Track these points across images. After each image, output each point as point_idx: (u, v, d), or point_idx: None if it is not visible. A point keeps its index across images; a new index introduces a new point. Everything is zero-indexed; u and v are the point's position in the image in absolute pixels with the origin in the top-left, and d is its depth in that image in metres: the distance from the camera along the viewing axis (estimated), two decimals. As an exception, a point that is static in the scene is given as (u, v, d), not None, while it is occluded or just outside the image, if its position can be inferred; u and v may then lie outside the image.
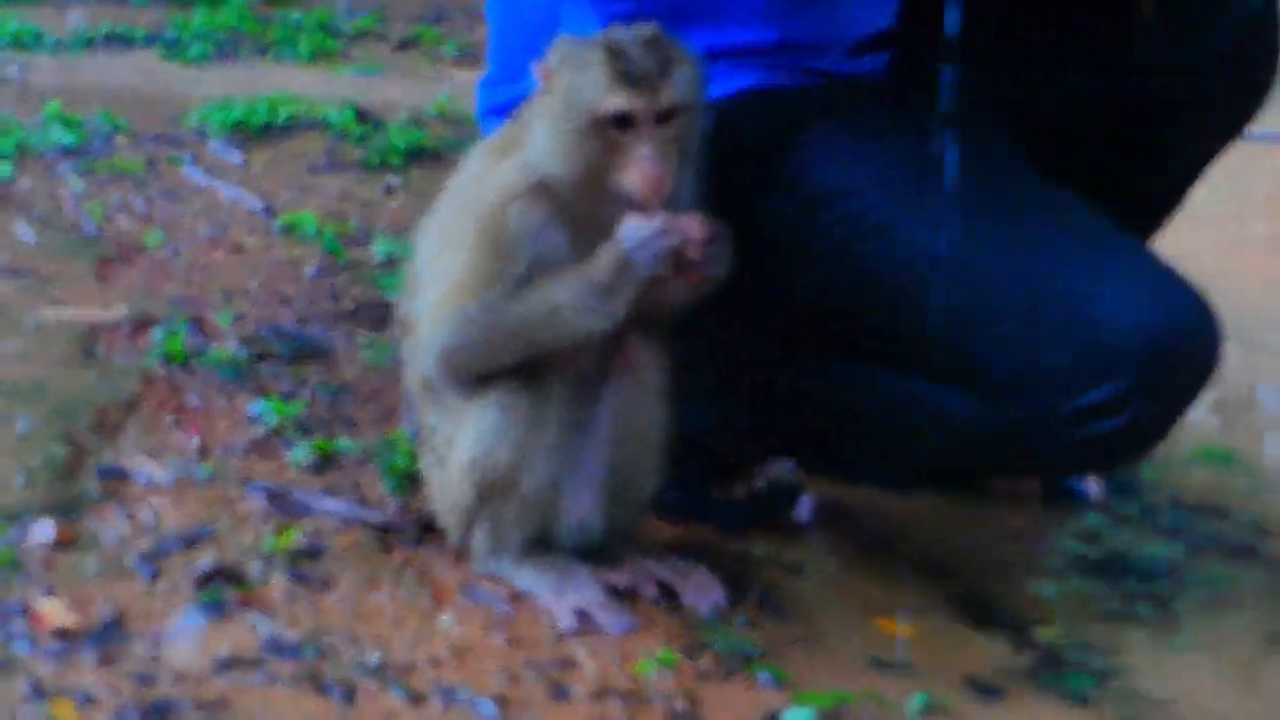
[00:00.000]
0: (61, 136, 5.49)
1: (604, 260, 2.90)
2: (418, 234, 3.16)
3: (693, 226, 2.87)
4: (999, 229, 3.03)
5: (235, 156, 5.55)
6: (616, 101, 2.86)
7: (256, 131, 5.81)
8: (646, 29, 2.93)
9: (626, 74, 2.85)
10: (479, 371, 3.01)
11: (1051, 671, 3.05)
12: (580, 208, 2.94)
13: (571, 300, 2.90)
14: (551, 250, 2.95)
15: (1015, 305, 2.96)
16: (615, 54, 2.87)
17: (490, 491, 3.05)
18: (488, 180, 2.97)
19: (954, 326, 3.00)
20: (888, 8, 3.34)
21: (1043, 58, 3.28)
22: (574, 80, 2.88)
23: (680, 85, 2.89)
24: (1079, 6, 3.24)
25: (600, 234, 2.94)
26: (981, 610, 3.25)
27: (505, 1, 3.44)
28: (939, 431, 3.12)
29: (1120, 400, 2.93)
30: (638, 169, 2.86)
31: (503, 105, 3.31)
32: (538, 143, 2.92)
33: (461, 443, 3.05)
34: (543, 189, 2.93)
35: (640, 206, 2.88)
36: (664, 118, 2.88)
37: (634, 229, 2.88)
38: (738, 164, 3.03)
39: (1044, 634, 3.19)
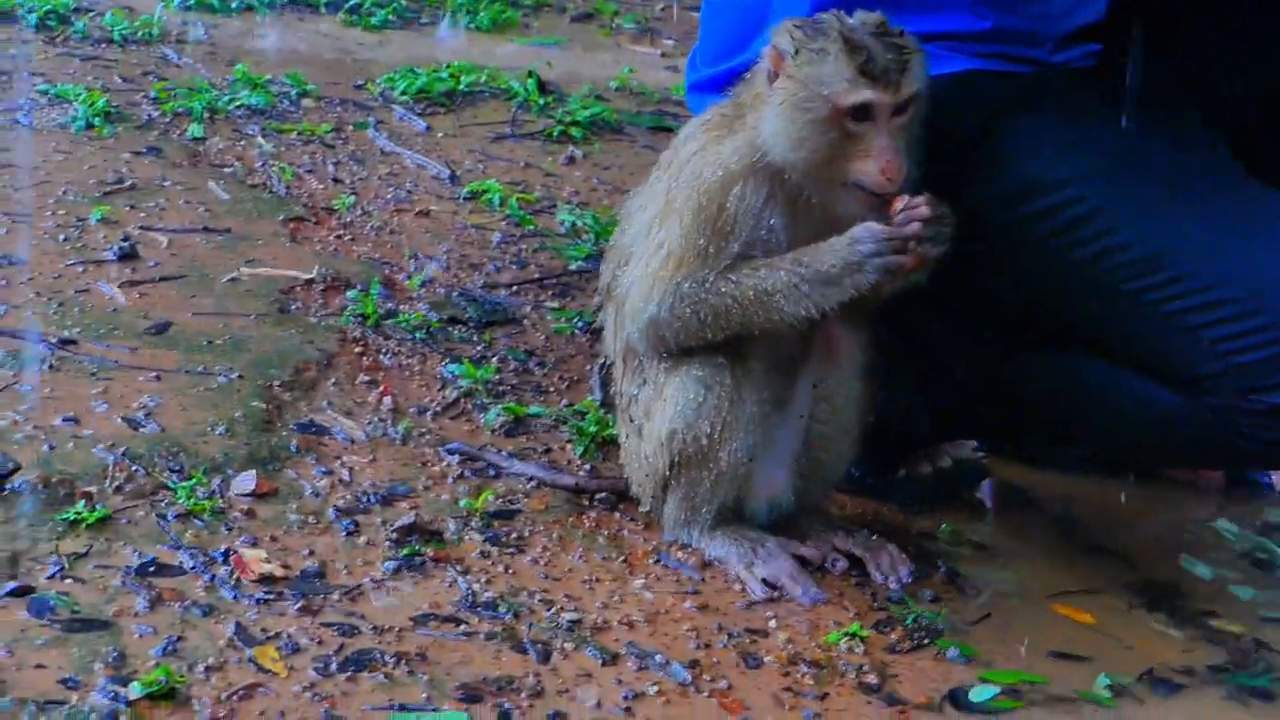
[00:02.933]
0: (250, 98, 5.57)
1: (832, 255, 2.92)
2: (627, 204, 3.20)
3: (920, 209, 2.89)
4: (1205, 224, 3.02)
5: (419, 123, 5.61)
6: (860, 95, 2.88)
7: (439, 99, 5.86)
8: (873, 17, 2.94)
9: (868, 67, 2.87)
10: (684, 345, 3.04)
11: (1231, 668, 3.04)
12: (802, 192, 2.97)
13: (788, 286, 2.93)
14: (769, 232, 2.98)
15: (1220, 300, 2.95)
16: (856, 45, 2.88)
17: (687, 463, 3.09)
18: (708, 157, 3.00)
19: (1156, 319, 3.00)
20: (1098, 1, 3.33)
21: (1244, 47, 3.25)
22: (813, 70, 2.90)
23: (915, 77, 2.91)
24: None
25: (817, 219, 2.97)
26: (1161, 598, 3.25)
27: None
28: (1133, 419, 3.12)
29: None
30: (875, 160, 2.89)
31: (713, 80, 3.33)
32: (767, 126, 2.94)
33: (661, 413, 3.09)
34: (767, 171, 2.95)
35: (874, 195, 2.91)
36: (900, 109, 2.90)
37: (870, 232, 2.90)
38: (947, 148, 3.04)
39: (1222, 626, 3.19)
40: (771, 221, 2.98)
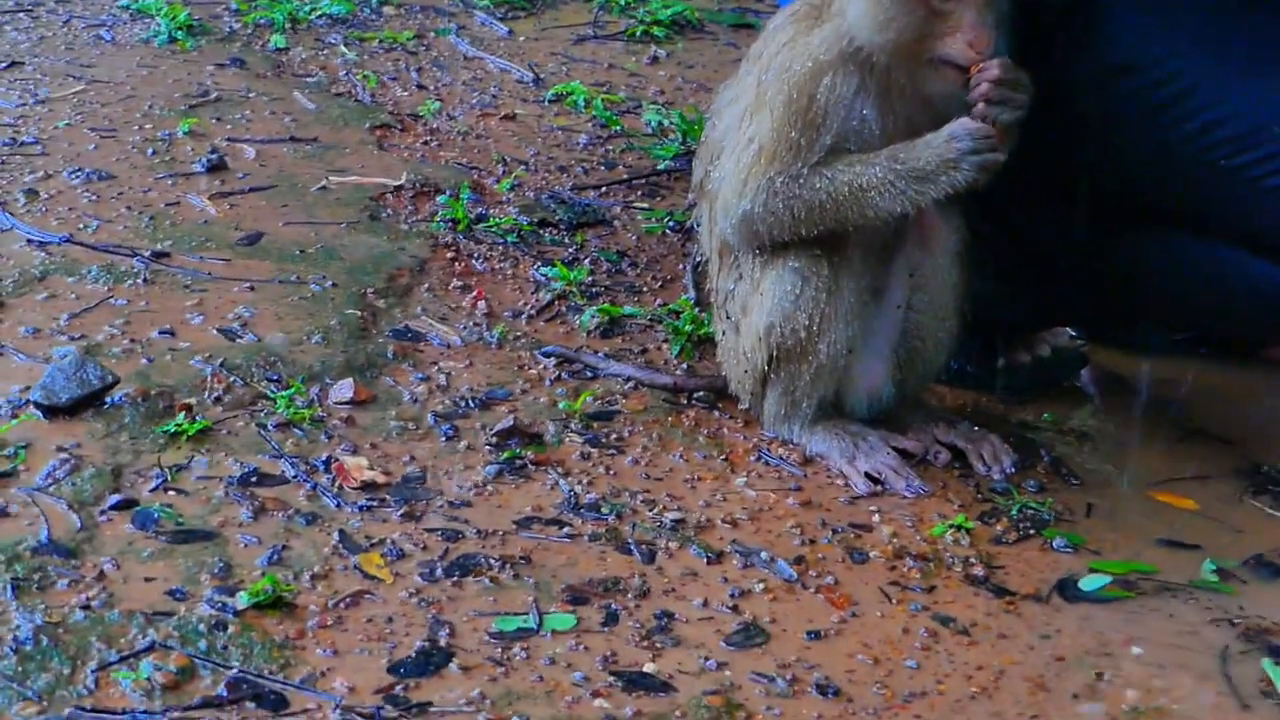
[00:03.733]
0: (331, 7, 5.55)
1: (929, 151, 2.89)
2: (717, 100, 3.17)
3: (991, 71, 2.85)
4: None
5: (501, 27, 5.59)
6: None
7: (520, 2, 5.83)
8: None
9: None
10: (779, 239, 3.02)
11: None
12: (893, 77, 2.93)
13: (883, 182, 2.90)
14: (861, 122, 2.94)
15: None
16: None
17: (786, 357, 3.07)
18: (798, 49, 2.97)
19: (1257, 192, 2.96)
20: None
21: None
22: None
23: None
24: None
25: (910, 106, 2.94)
26: (1266, 481, 3.21)
27: None
28: (1237, 294, 3.08)
29: None
30: (963, 35, 2.85)
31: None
32: (853, 10, 2.91)
33: (758, 308, 3.07)
34: (856, 59, 2.92)
35: (963, 71, 2.87)
36: None
37: (966, 129, 2.87)
38: (1039, 26, 2.99)
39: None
40: (864, 112, 2.94)
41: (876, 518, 2.96)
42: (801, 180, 2.95)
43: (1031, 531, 2.95)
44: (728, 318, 3.16)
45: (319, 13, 5.53)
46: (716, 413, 3.28)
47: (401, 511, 2.86)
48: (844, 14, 2.93)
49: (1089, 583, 2.81)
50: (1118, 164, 3.13)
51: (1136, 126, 3.06)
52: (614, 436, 3.16)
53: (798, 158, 2.95)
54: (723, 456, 3.12)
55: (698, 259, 3.40)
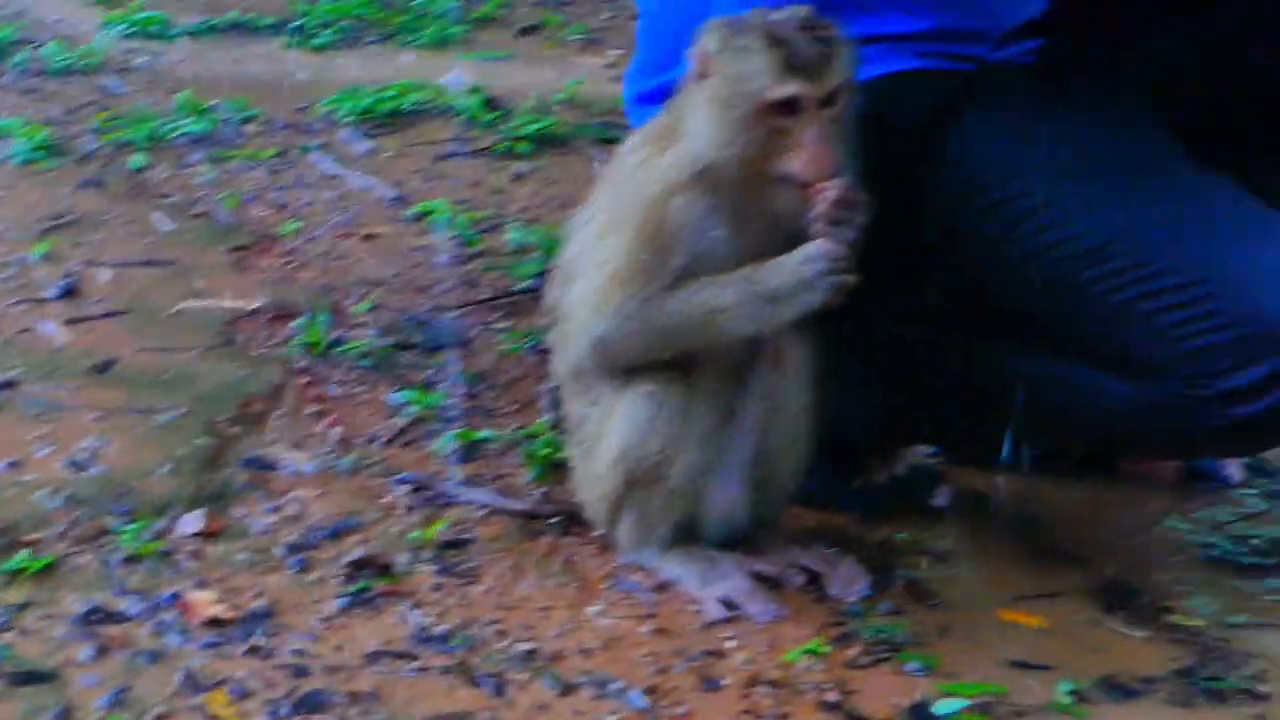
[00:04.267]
0: (193, 125, 5.52)
1: (783, 273, 2.89)
2: (571, 222, 3.16)
3: (830, 191, 2.86)
4: (1153, 212, 3.01)
5: (364, 144, 5.57)
6: (784, 89, 2.84)
7: (384, 119, 5.82)
8: (799, 11, 2.91)
9: (792, 60, 2.84)
10: (632, 363, 3.01)
11: (1190, 672, 2.99)
12: (741, 196, 2.93)
13: (738, 305, 2.90)
14: (713, 243, 2.94)
15: (1169, 287, 2.93)
16: (778, 40, 2.86)
17: (638, 482, 3.05)
18: (648, 172, 2.97)
19: (1107, 309, 2.98)
20: (1039, -3, 3.32)
21: (1196, 38, 3.24)
22: (737, 67, 2.87)
23: (841, 68, 2.88)
24: None
25: (760, 224, 2.94)
26: (1119, 600, 3.22)
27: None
28: (1089, 413, 3.10)
29: (1272, 381, 2.90)
30: (805, 153, 2.86)
31: (653, 92, 3.29)
32: (697, 130, 2.91)
33: (611, 433, 3.05)
34: (704, 178, 2.92)
35: (806, 188, 2.88)
36: (827, 101, 2.87)
37: (822, 251, 2.87)
38: (893, 146, 3.01)
39: (1179, 621, 3.16)
40: (715, 232, 2.94)
41: (731, 643, 2.95)
42: (655, 303, 2.94)
43: (886, 655, 2.94)
44: (581, 443, 3.14)
45: (180, 131, 5.49)
46: (572, 539, 3.25)
47: (248, 648, 2.82)
48: (691, 135, 2.93)
49: (942, 707, 2.80)
50: (970, 282, 3.15)
51: (990, 245, 3.08)
52: (467, 565, 3.13)
53: (650, 281, 2.94)
54: (577, 584, 3.10)
55: (556, 382, 3.38)
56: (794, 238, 2.92)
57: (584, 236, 3.08)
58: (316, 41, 6.80)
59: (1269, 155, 3.25)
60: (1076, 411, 3.15)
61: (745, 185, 2.92)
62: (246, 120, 5.69)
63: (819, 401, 3.14)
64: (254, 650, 2.81)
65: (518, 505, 3.33)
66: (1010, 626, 3.10)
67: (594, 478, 3.12)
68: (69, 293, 4.16)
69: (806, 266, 2.87)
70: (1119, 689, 2.91)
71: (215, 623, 2.88)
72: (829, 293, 2.87)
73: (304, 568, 3.07)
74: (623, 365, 3.02)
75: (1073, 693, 2.86)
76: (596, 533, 3.22)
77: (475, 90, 6.00)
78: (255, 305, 4.15)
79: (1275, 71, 3.20)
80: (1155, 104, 3.18)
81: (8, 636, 2.81)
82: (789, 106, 2.86)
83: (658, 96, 3.19)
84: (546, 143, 5.70)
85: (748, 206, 2.94)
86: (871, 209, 2.89)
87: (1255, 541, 3.50)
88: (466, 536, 3.23)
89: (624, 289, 2.95)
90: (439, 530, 3.21)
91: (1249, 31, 3.24)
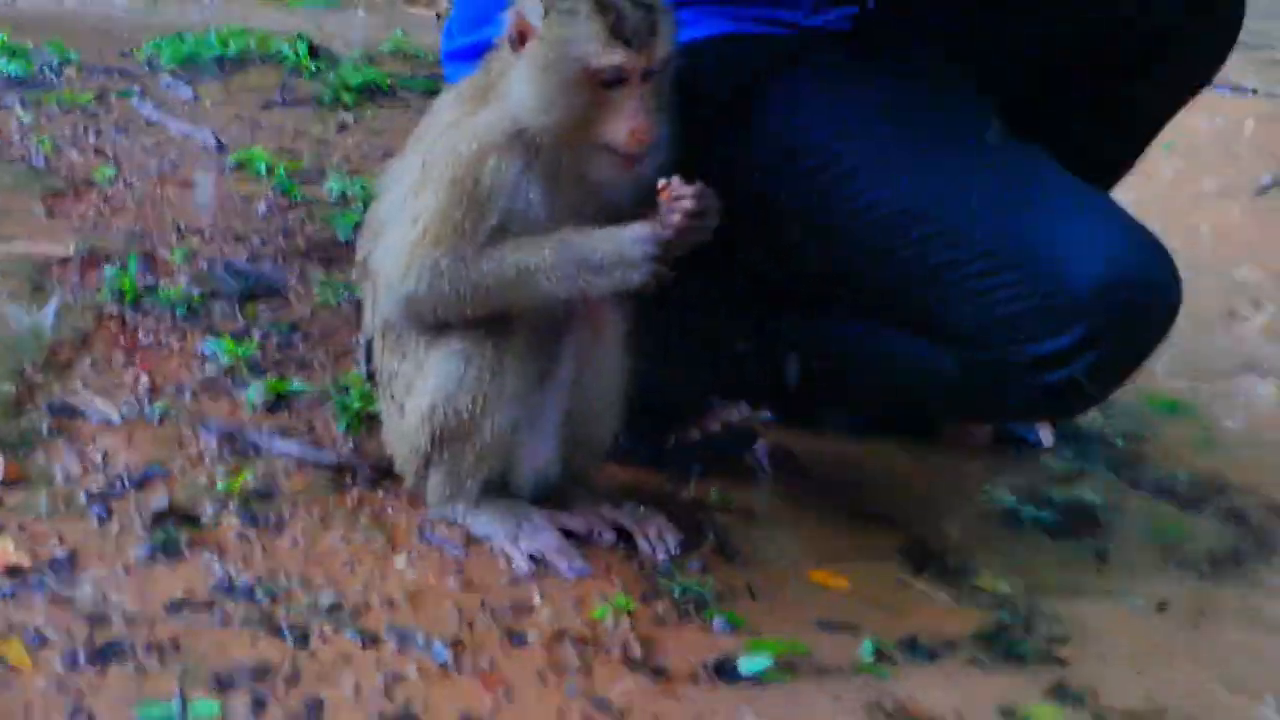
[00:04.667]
0: (8, 67, 5.42)
1: (608, 245, 2.88)
2: (383, 177, 3.13)
3: (685, 202, 2.86)
4: (963, 179, 3.04)
5: (186, 91, 5.49)
6: (611, 58, 2.83)
7: (207, 65, 5.74)
8: None
9: (618, 28, 2.83)
10: (444, 320, 2.98)
11: (993, 635, 3.04)
12: (558, 158, 2.91)
13: (553, 267, 2.88)
14: (526, 203, 2.92)
15: (978, 254, 2.97)
16: (605, 9, 2.84)
17: (449, 438, 3.03)
18: (463, 129, 2.94)
19: (917, 275, 3.01)
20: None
21: (1014, 7, 3.27)
22: (562, 33, 2.85)
23: (666, 39, 2.87)
24: None
25: (577, 189, 2.93)
26: (925, 561, 3.25)
27: (471, -56, 3.39)
28: (901, 377, 3.14)
29: (1079, 348, 2.95)
30: (626, 123, 2.85)
31: (468, 49, 3.27)
32: (517, 92, 2.89)
33: (421, 389, 3.03)
34: (520, 139, 2.90)
35: (625, 158, 2.87)
36: (651, 72, 2.86)
37: (654, 235, 2.86)
38: (704, 111, 3.01)
39: (983, 584, 3.20)
40: (530, 195, 2.92)
41: (538, 599, 2.94)
42: (467, 262, 2.92)
43: (692, 612, 2.95)
44: (393, 398, 3.11)
45: (-5, 73, 5.39)
46: (381, 493, 3.22)
47: (48, 595, 2.77)
48: (509, 96, 2.91)
49: (748, 664, 2.81)
50: (785, 248, 3.17)
51: (801, 211, 3.10)
52: (274, 517, 3.09)
53: (463, 240, 2.92)
54: (384, 537, 3.08)
55: (367, 336, 3.35)
56: (608, 204, 2.92)
57: (396, 192, 3.05)
58: (140, -16, 6.70)
59: (1078, 121, 3.29)
60: (890, 375, 3.19)
61: (563, 149, 2.91)
62: (65, 63, 5.60)
63: (633, 361, 3.13)
64: (52, 598, 2.76)
65: (327, 457, 3.30)
66: (817, 587, 3.13)
67: (404, 433, 3.10)
68: (-127, 234, 4.07)
69: (635, 247, 2.86)
70: (922, 650, 2.94)
71: (13, 571, 2.83)
72: (647, 276, 2.87)
73: (107, 517, 3.02)
74: (433, 323, 3.00)
75: (876, 652, 2.89)
76: (406, 487, 3.19)
77: (300, 38, 5.94)
78: (67, 253, 4.07)
79: (1082, 36, 3.24)
80: (968, 72, 3.21)
81: None
82: (614, 74, 2.84)
83: (475, 53, 3.16)
84: (372, 94, 5.66)
85: (564, 170, 2.93)
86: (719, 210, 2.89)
87: (1063, 505, 3.56)
88: (274, 487, 3.19)
89: (436, 247, 2.92)
90: (246, 480, 3.17)
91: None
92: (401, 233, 2.97)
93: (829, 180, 3.05)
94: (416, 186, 2.98)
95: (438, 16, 6.78)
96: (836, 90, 3.14)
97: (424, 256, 2.93)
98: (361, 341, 3.67)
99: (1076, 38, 3.27)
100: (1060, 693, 2.87)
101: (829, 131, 3.08)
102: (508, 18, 2.91)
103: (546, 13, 2.86)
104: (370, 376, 3.50)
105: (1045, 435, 3.82)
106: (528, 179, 2.92)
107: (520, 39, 2.89)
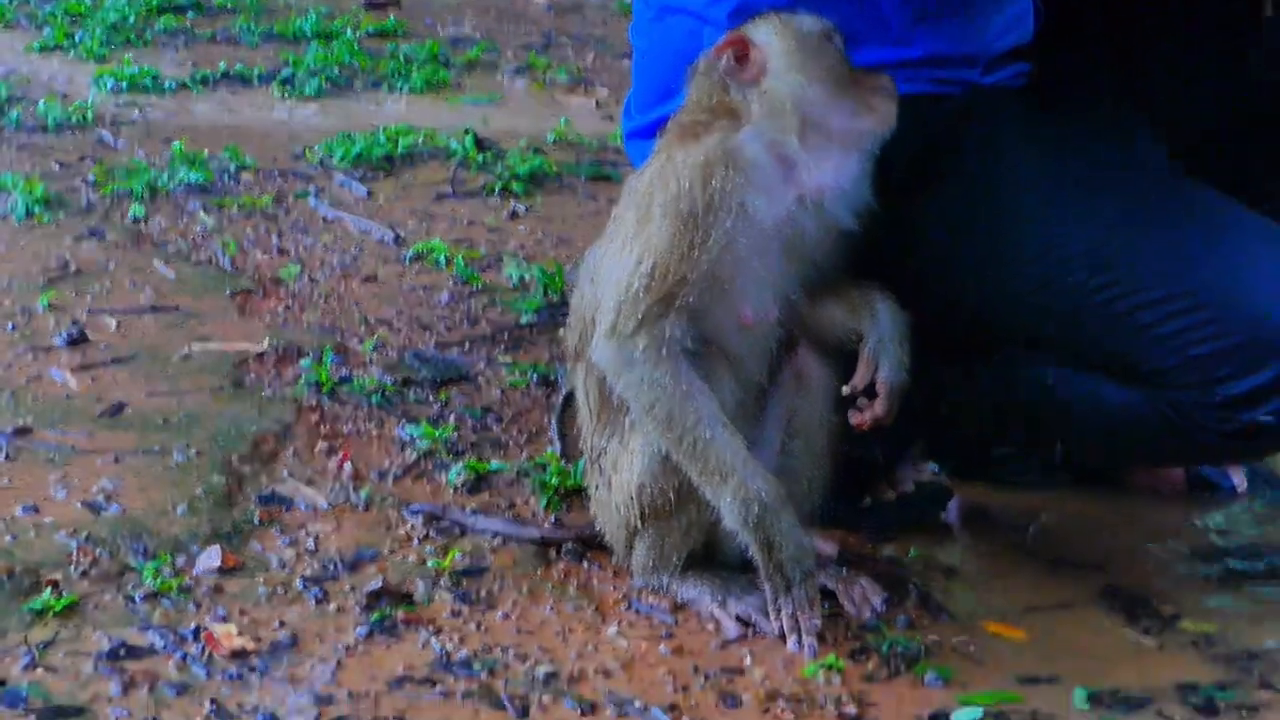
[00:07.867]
0: (189, 174, 5.55)
1: (785, 536, 2.99)
2: (586, 261, 3.17)
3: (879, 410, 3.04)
4: (1153, 224, 3.06)
5: (359, 188, 5.61)
6: None
7: (378, 163, 5.86)
8: None
9: None
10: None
11: (1195, 678, 3.03)
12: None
13: (732, 489, 2.97)
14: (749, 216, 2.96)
15: (1172, 295, 2.97)
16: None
17: (656, 514, 3.08)
18: (676, 163, 2.98)
19: (1111, 318, 3.02)
20: (1025, 24, 3.37)
21: (1182, 60, 3.30)
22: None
23: None
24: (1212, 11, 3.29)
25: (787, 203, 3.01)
26: (1129, 608, 3.25)
27: (649, 29, 3.45)
28: (1095, 421, 3.14)
29: (1273, 387, 2.94)
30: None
31: (650, 126, 3.32)
32: (774, 104, 3.00)
33: (629, 466, 3.08)
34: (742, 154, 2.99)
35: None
36: None
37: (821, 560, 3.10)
38: (891, 172, 3.05)
39: (1187, 627, 3.19)
40: (753, 202, 2.96)
41: (748, 660, 2.98)
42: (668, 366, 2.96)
43: (902, 668, 2.98)
44: (601, 473, 3.16)
45: (177, 181, 5.53)
46: (586, 564, 3.28)
47: (274, 677, 2.84)
48: (745, 118, 3.01)
49: (960, 716, 2.83)
50: (975, 298, 3.19)
51: (989, 260, 3.12)
52: (484, 592, 3.16)
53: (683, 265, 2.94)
54: (593, 607, 3.13)
55: (559, 407, 3.40)
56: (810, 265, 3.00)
57: (603, 263, 3.08)
58: (307, 90, 6.83)
59: (1258, 165, 3.30)
60: (1082, 421, 3.18)
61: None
62: (241, 169, 5.73)
63: (840, 421, 3.16)
64: (278, 679, 2.83)
65: (531, 532, 3.36)
66: (1023, 637, 3.13)
67: (611, 508, 3.15)
68: (76, 341, 4.19)
69: (807, 559, 3.03)
70: (1129, 699, 2.93)
71: (239, 654, 2.91)
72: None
73: (323, 599, 3.10)
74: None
75: (1090, 698, 2.89)
76: (613, 560, 3.24)
77: (467, 131, 6.04)
78: (261, 348, 4.18)
79: (1256, 84, 3.26)
80: (1145, 119, 3.23)
81: (36, 674, 2.83)
82: None
83: (654, 130, 3.22)
84: (540, 181, 5.74)
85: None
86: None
87: (1264, 549, 3.54)
88: (482, 564, 3.26)
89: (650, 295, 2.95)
90: (455, 558, 3.23)
91: (1229, 46, 3.30)
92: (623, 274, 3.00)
93: (1016, 232, 3.08)
94: (625, 242, 3.01)
95: (597, 104, 6.86)
96: (1016, 142, 3.17)
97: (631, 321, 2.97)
98: (556, 418, 3.75)
99: (1245, 87, 3.29)
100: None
101: (1012, 182, 3.11)
102: (725, 46, 3.01)
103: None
104: (565, 453, 3.57)
105: (1238, 479, 3.79)
106: (750, 189, 2.96)
107: (744, 65, 2.99)
